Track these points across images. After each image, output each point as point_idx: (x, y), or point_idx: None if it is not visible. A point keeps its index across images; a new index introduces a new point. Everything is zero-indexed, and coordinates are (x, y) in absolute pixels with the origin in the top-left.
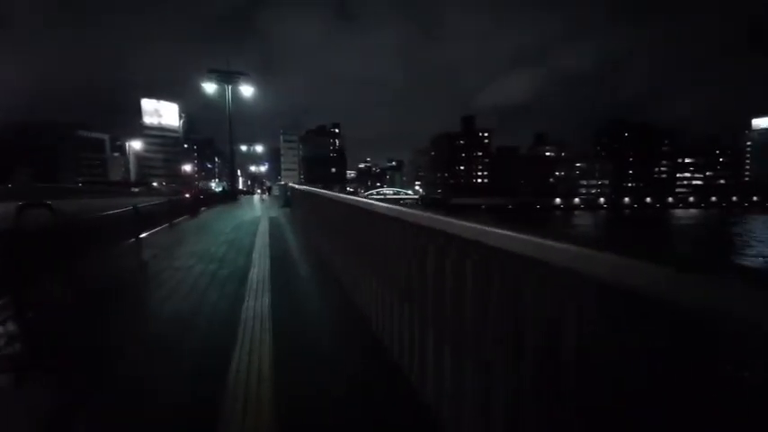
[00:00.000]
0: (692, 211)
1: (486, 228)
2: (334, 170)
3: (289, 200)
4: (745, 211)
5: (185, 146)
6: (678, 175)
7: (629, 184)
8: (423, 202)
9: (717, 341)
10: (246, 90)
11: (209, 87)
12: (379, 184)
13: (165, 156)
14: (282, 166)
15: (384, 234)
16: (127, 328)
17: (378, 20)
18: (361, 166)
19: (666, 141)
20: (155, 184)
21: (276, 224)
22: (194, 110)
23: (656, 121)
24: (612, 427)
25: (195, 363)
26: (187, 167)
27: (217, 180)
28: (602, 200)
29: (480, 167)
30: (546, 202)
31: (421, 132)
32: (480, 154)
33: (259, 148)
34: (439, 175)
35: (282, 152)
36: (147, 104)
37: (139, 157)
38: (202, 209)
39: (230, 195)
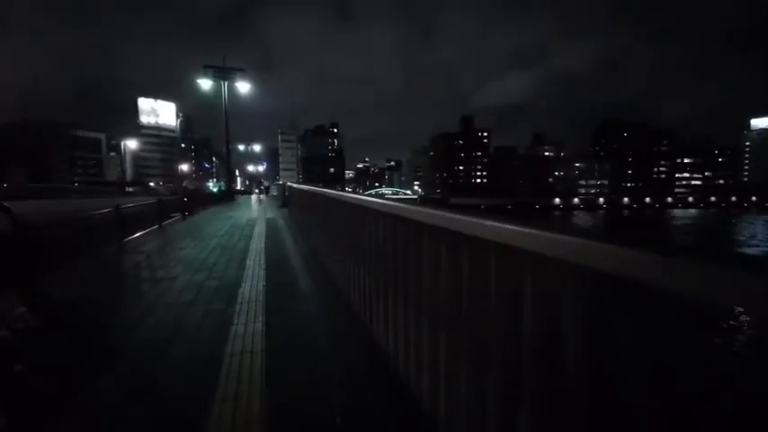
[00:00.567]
0: (692, 211)
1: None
2: (332, 170)
3: (287, 200)
4: (744, 211)
5: (182, 146)
6: (677, 175)
7: (628, 184)
8: (421, 203)
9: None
10: (243, 86)
11: (205, 84)
12: (377, 184)
13: (162, 155)
14: (281, 166)
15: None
16: (84, 368)
17: (376, 19)
18: (360, 165)
19: (665, 141)
20: (151, 183)
21: (273, 226)
22: (192, 110)
23: (655, 121)
24: (615, 426)
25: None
26: (184, 167)
27: (214, 180)
28: (601, 200)
29: (479, 167)
30: (545, 203)
31: (419, 132)
32: (479, 154)
33: (257, 148)
34: (438, 174)
35: (281, 152)
36: (144, 104)
37: (136, 156)
38: (197, 209)
39: (227, 195)
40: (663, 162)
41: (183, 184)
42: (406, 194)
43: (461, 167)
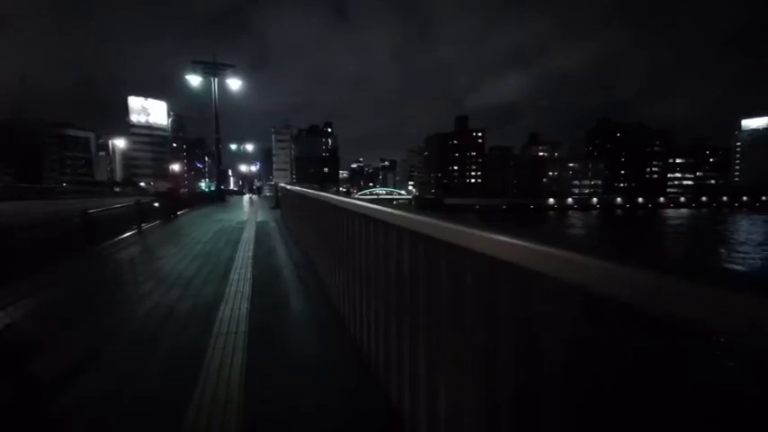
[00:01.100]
0: (683, 210)
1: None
2: (326, 170)
3: (280, 201)
4: (734, 210)
5: (174, 145)
6: (669, 176)
7: (622, 184)
8: (416, 203)
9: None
10: (234, 83)
11: (194, 80)
12: (371, 184)
13: (152, 155)
14: (274, 166)
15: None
16: None
17: (371, 19)
18: (354, 165)
19: (658, 142)
20: (142, 183)
21: (264, 230)
22: (185, 109)
23: (649, 121)
24: None
25: None
26: (176, 167)
27: (207, 180)
28: (594, 200)
29: (474, 167)
30: (539, 203)
31: (414, 132)
32: (474, 154)
33: (249, 147)
34: (432, 174)
35: (274, 152)
36: (135, 102)
37: (126, 156)
38: (183, 211)
39: (218, 195)
40: (656, 162)
41: (158, 185)
42: (400, 194)
43: (456, 167)
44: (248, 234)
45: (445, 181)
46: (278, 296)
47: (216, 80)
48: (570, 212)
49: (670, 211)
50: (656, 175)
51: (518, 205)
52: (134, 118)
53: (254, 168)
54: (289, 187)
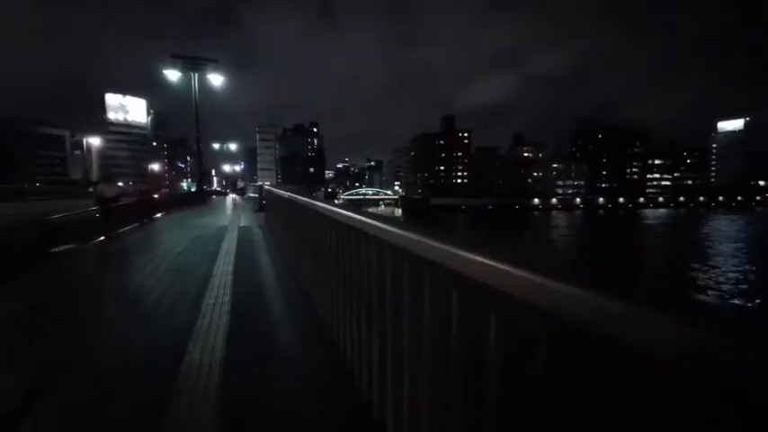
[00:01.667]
0: (661, 210)
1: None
2: (312, 170)
3: (264, 204)
4: (711, 210)
5: (155, 144)
6: (649, 176)
7: (604, 185)
8: (402, 203)
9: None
10: (216, 79)
11: (173, 74)
12: (358, 184)
13: (131, 153)
14: (259, 166)
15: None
16: None
17: (358, 19)
18: (340, 165)
19: (638, 143)
20: (120, 183)
21: (247, 238)
22: (167, 108)
23: (631, 123)
24: None
25: None
26: (156, 166)
27: (189, 180)
28: (578, 200)
29: (460, 168)
30: (524, 203)
31: (401, 132)
32: (460, 154)
33: (233, 146)
34: (419, 175)
35: (259, 151)
36: (112, 99)
37: (102, 155)
38: (160, 214)
39: (198, 197)
40: (635, 163)
41: (102, 188)
42: (387, 195)
43: (442, 168)
44: (229, 244)
45: (431, 181)
46: (262, 330)
47: (196, 76)
48: (554, 212)
49: (648, 211)
50: (635, 176)
51: (504, 205)
52: (112, 115)
53: (237, 168)
54: (274, 189)
